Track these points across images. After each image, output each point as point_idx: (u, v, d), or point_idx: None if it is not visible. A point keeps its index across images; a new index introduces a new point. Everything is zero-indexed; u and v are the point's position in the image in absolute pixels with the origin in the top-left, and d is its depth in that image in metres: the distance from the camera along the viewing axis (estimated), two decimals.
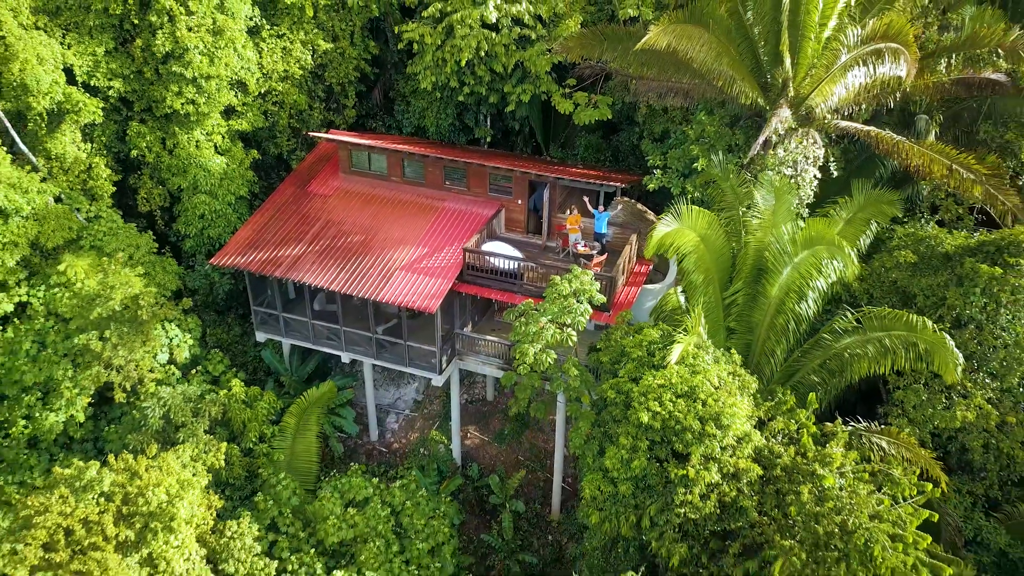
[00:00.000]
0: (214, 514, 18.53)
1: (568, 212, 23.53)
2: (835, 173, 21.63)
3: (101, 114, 23.18)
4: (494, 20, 23.96)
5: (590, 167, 26.38)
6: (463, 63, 24.53)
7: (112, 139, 24.54)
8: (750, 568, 16.30)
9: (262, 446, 21.94)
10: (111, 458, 17.93)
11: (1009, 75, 20.74)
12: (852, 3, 19.27)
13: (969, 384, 18.63)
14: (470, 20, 23.84)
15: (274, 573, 17.96)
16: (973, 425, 18.56)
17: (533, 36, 24.54)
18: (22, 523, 16.76)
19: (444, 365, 23.21)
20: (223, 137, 25.49)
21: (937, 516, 16.70)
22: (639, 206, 23.74)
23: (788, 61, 18.94)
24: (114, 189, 24.22)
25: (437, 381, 23.32)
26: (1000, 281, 17.74)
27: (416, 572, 18.69)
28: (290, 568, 18.30)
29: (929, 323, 17.14)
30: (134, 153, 24.50)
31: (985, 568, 18.81)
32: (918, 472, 17.05)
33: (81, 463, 17.73)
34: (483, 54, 24.55)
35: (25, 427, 21.10)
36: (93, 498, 16.84)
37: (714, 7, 19.86)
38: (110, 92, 23.59)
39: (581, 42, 22.62)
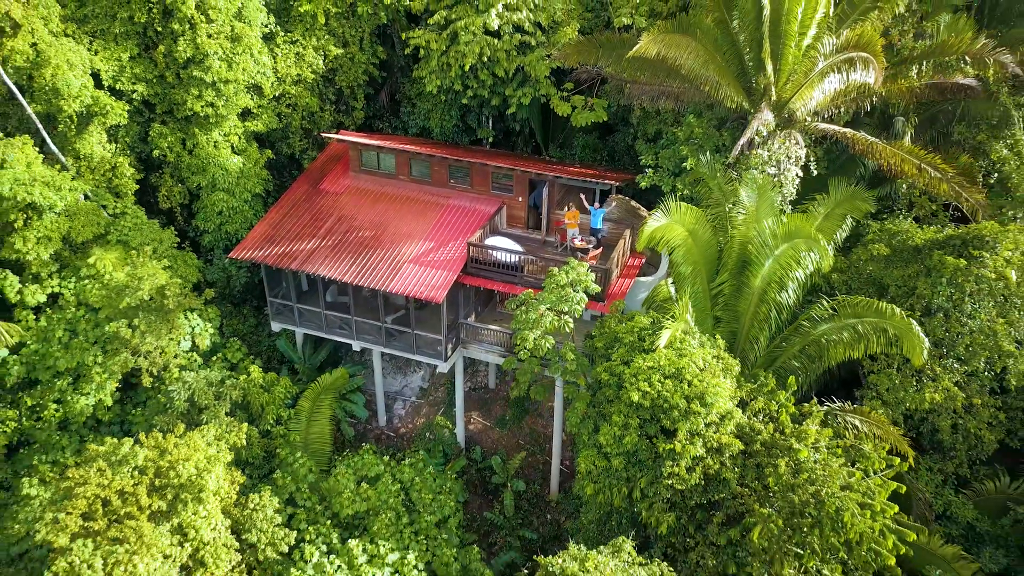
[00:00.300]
0: (237, 488, 19.96)
1: (566, 209, 24.95)
2: (815, 172, 23.02)
3: (126, 116, 24.57)
4: (496, 27, 25.33)
5: (587, 166, 27.79)
6: (467, 68, 25.94)
7: (135, 140, 25.96)
8: (732, 536, 17.73)
9: (279, 428, 23.39)
10: (142, 436, 19.37)
11: (979, 80, 22.13)
12: (830, 14, 20.66)
13: (938, 368, 20.06)
14: (473, 27, 25.22)
15: (293, 542, 19.40)
16: (941, 406, 20.00)
17: (533, 43, 25.94)
18: (63, 494, 18.19)
19: (449, 353, 24.65)
20: (239, 138, 26.92)
21: (904, 488, 18.10)
22: (633, 203, 25.16)
23: (770, 67, 20.35)
24: (137, 187, 25.64)
25: (443, 368, 24.76)
26: (964, 272, 19.17)
27: (424, 542, 20.12)
28: (308, 537, 19.74)
29: (897, 310, 18.56)
30: (156, 153, 25.92)
31: (953, 539, 20.24)
32: (887, 448, 18.49)
33: (115, 440, 19.18)
34: (486, 59, 25.96)
35: (56, 410, 22.54)
36: (128, 471, 18.25)
37: (701, 17, 21.28)
38: (134, 95, 25.00)
39: (578, 49, 24.04)
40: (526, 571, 21.12)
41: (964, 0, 25.59)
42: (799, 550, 16.92)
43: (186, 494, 18.16)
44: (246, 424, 21.47)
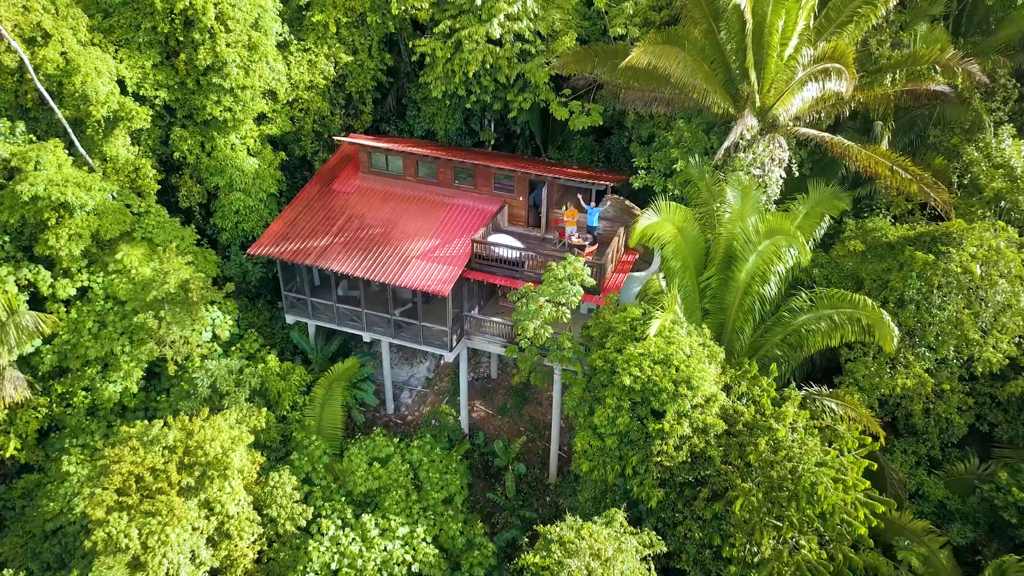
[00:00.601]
0: (258, 468, 21.46)
1: (564, 208, 26.44)
2: (797, 173, 24.50)
3: (149, 120, 26.02)
4: (498, 36, 26.80)
5: (584, 168, 29.29)
6: (470, 74, 27.44)
7: (157, 142, 27.44)
8: (717, 509, 19.23)
9: (295, 414, 24.92)
10: (170, 419, 20.88)
11: (951, 87, 23.60)
12: (810, 26, 22.14)
13: (911, 356, 21.52)
14: (477, 36, 26.70)
15: (310, 517, 20.93)
16: (913, 391, 21.47)
17: (533, 51, 27.44)
18: (99, 471, 19.71)
19: (454, 343, 26.16)
20: (255, 140, 28.44)
21: (876, 465, 19.64)
22: (627, 202, 26.65)
23: (753, 76, 21.84)
24: (159, 187, 27.12)
25: (448, 357, 26.27)
26: (933, 267, 20.65)
27: (432, 517, 21.64)
28: (324, 513, 21.26)
29: (869, 301, 20.06)
30: (176, 155, 27.41)
31: (925, 516, 21.71)
32: (861, 429, 19.98)
33: (146, 422, 20.69)
34: (488, 66, 27.47)
35: (85, 397, 24.04)
36: (159, 450, 19.77)
37: (690, 29, 22.78)
38: (156, 101, 26.44)
39: (575, 58, 25.55)
40: (527, 539, 22.64)
41: (942, 11, 27.11)
42: (778, 522, 18.44)
43: (213, 471, 19.67)
44: (265, 409, 22.97)
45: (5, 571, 18.04)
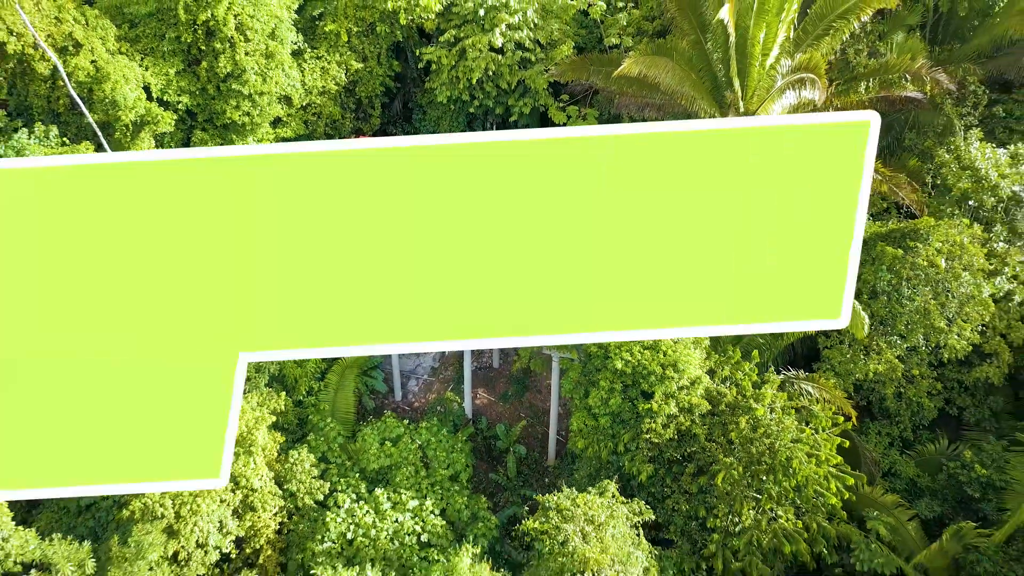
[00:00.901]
0: (278, 447, 23.19)
1: None
2: None
3: (172, 124, 27.72)
4: (500, 45, 28.51)
5: None
6: (474, 81, 29.14)
7: (179, 145, 29.13)
8: (702, 483, 20.96)
9: (310, 399, 26.62)
10: None
11: (924, 93, 25.30)
12: (790, 37, 23.85)
13: (883, 343, 23.26)
14: (480, 45, 28.42)
15: (327, 491, 22.65)
16: (885, 376, 23.20)
17: (533, 59, 29.15)
18: None
19: None
20: (271, 143, 30.14)
21: (848, 443, 21.38)
22: None
23: (737, 84, 23.55)
24: None
25: (453, 348, 27.92)
26: (901, 260, 22.38)
27: (439, 492, 23.34)
28: (339, 488, 22.94)
29: None
30: None
31: (897, 492, 23.41)
32: (834, 409, 21.69)
33: None
34: (491, 73, 29.17)
35: None
36: None
37: (678, 41, 24.49)
38: (179, 106, 28.14)
39: (572, 66, 27.27)
40: (527, 509, 24.36)
41: (919, 20, 28.85)
42: (757, 494, 20.17)
43: (238, 448, 21.40)
44: (283, 393, 24.67)
45: (54, 535, 19.73)
